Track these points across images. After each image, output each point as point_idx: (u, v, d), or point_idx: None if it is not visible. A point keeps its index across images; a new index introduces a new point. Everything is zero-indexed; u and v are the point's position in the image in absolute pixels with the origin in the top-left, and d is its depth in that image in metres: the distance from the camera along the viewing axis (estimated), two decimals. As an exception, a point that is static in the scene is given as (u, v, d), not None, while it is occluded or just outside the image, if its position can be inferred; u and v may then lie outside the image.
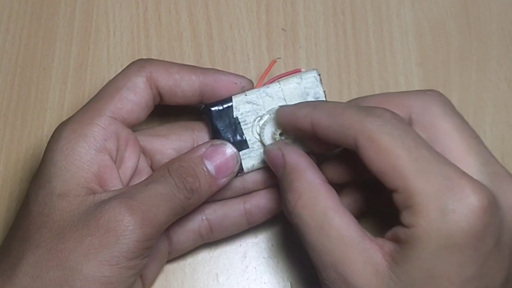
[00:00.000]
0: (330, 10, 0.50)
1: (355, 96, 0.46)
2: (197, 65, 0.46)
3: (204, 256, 0.43)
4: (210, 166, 0.37)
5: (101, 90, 0.38)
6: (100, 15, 0.49)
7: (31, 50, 0.48)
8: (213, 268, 0.43)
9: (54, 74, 0.47)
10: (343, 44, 0.48)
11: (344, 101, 0.46)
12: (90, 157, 0.35)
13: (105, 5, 0.49)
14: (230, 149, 0.38)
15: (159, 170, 0.37)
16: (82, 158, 0.35)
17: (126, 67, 0.38)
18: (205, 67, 0.41)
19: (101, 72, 0.46)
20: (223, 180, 0.37)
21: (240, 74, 0.40)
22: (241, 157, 0.39)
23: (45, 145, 0.37)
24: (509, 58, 0.48)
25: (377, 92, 0.47)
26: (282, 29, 0.48)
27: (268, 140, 0.39)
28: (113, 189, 0.36)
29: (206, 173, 0.37)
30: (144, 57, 0.44)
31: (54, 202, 0.34)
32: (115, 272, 0.34)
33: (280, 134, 0.39)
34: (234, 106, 0.39)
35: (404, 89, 0.47)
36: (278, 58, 0.43)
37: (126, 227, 0.33)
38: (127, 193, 0.35)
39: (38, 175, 0.36)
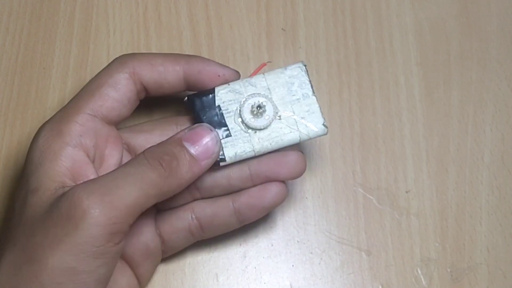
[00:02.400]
0: (330, 10, 0.50)
1: (355, 96, 0.47)
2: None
3: (204, 256, 0.43)
4: (189, 147, 0.36)
5: (83, 87, 0.38)
6: (100, 14, 0.49)
7: (31, 50, 0.48)
8: (213, 268, 0.43)
9: (54, 73, 0.47)
10: (343, 44, 0.48)
11: (344, 100, 0.47)
12: (64, 152, 0.35)
13: (104, 4, 0.49)
14: (208, 130, 0.37)
15: (135, 156, 0.36)
16: (55, 153, 0.34)
17: (109, 63, 0.38)
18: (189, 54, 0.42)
19: (101, 71, 0.47)
20: (204, 162, 0.36)
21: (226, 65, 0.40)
22: (223, 145, 0.38)
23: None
24: (510, 57, 0.48)
25: (377, 93, 0.47)
26: (282, 29, 0.48)
27: (247, 115, 0.38)
28: None
29: (186, 153, 0.36)
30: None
31: (27, 199, 0.34)
32: (81, 261, 0.32)
33: (258, 107, 0.38)
34: (216, 94, 0.39)
35: (404, 90, 0.47)
36: (269, 62, 0.44)
37: (84, 212, 0.32)
38: (92, 179, 0.35)
39: (21, 176, 0.36)
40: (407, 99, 0.48)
